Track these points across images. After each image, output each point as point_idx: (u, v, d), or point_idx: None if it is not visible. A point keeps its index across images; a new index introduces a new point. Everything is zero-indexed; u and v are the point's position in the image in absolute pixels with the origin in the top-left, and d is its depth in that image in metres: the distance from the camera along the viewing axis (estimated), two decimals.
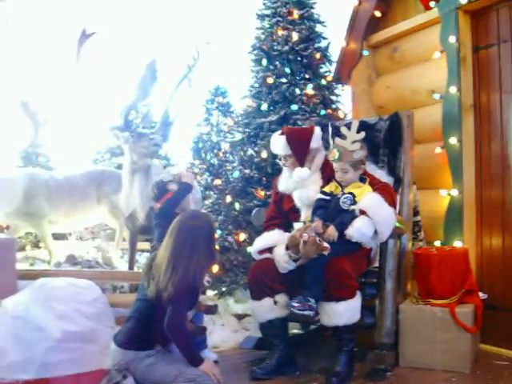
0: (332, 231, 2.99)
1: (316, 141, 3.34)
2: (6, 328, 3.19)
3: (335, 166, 3.16)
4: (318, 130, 3.39)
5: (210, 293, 4.66)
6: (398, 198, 3.53)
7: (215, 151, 8.17)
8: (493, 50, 3.61)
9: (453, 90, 3.67)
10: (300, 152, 3.28)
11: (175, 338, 2.57)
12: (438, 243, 3.77)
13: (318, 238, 2.91)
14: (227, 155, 5.18)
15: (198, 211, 3.06)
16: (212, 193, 5.28)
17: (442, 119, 3.77)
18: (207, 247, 2.65)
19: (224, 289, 4.48)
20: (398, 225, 3.21)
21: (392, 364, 3.15)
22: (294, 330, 3.91)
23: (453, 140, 3.67)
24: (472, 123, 3.72)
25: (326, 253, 2.91)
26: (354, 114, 4.67)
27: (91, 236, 7.62)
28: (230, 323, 4.09)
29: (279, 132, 3.42)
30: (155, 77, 4.13)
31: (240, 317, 4.23)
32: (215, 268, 4.43)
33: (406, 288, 3.53)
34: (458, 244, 3.61)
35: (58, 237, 7.86)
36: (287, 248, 3.03)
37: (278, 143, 3.34)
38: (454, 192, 3.66)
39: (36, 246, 7.51)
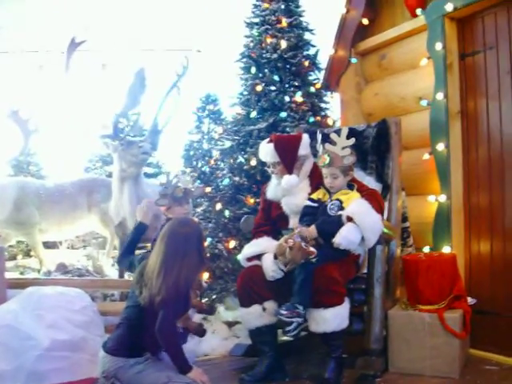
0: (312, 229, 3.01)
1: (304, 148, 3.35)
2: None
3: (325, 171, 3.17)
4: (305, 138, 3.40)
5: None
6: (387, 204, 3.54)
7: (206, 159, 8.18)
8: (479, 57, 3.64)
9: (440, 96, 3.69)
10: (288, 159, 3.29)
11: (165, 342, 2.57)
12: (427, 249, 3.78)
13: (303, 244, 2.92)
14: (218, 163, 5.17)
15: (187, 218, 3.07)
16: (203, 200, 5.28)
17: (429, 125, 3.79)
18: (197, 253, 2.67)
19: (214, 296, 4.47)
20: (386, 231, 3.22)
21: (381, 370, 3.15)
22: (284, 337, 3.90)
23: (440, 146, 3.69)
24: (459, 129, 3.74)
25: (312, 257, 2.92)
26: (343, 121, 4.70)
27: (82, 244, 7.60)
28: (221, 330, 4.08)
29: (267, 140, 3.43)
30: (144, 85, 4.15)
31: (230, 324, 4.21)
32: (205, 275, 4.43)
33: (396, 294, 3.53)
34: (446, 250, 3.62)
35: (49, 245, 7.86)
36: (275, 257, 3.04)
37: (266, 151, 3.36)
38: (442, 198, 3.68)
39: (27, 254, 7.47)
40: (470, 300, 3.39)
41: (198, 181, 7.99)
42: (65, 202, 5.41)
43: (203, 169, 8.17)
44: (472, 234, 3.70)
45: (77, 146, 8.95)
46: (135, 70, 4.19)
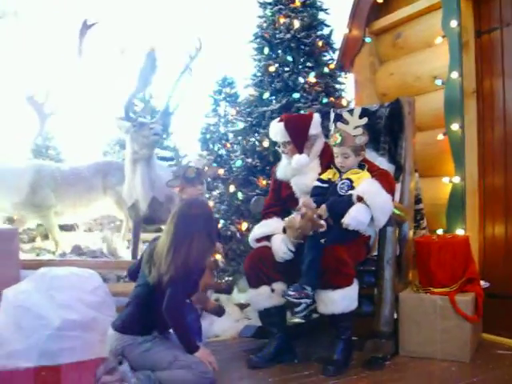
0: (323, 208, 2.97)
1: (315, 127, 3.31)
2: (8, 317, 3.22)
3: (336, 150, 3.12)
4: (316, 117, 3.35)
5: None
6: (399, 185, 3.49)
7: (223, 142, 8.15)
8: (495, 34, 3.54)
9: (454, 75, 3.60)
10: (298, 138, 3.25)
11: (172, 320, 2.60)
12: (440, 231, 3.72)
13: (314, 215, 2.89)
14: (234, 146, 5.15)
15: (197, 199, 3.07)
16: (218, 183, 5.27)
17: (444, 105, 3.71)
18: (207, 233, 2.70)
19: (226, 278, 4.48)
20: (397, 212, 3.17)
21: (391, 353, 3.12)
22: (296, 319, 3.90)
23: (455, 126, 3.61)
24: (474, 109, 3.66)
25: (321, 230, 2.91)
26: (357, 101, 4.63)
27: (100, 228, 7.66)
28: (232, 312, 4.08)
29: (278, 119, 3.40)
30: (155, 66, 4.13)
31: (243, 306, 4.21)
32: (218, 257, 4.44)
33: (408, 277, 3.48)
34: (460, 232, 3.56)
35: (67, 229, 7.96)
36: (284, 230, 3.01)
37: (277, 130, 3.32)
38: (456, 179, 3.61)
39: (46, 237, 7.57)
40: (483, 283, 3.33)
41: (215, 164, 7.99)
42: (80, 184, 5.44)
43: (220, 152, 8.15)
44: (486, 216, 3.63)
45: (95, 130, 9.03)
46: (146, 51, 4.17)
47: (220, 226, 4.83)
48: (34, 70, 6.45)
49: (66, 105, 6.84)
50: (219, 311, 3.20)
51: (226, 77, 8.97)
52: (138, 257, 4.59)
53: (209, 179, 5.20)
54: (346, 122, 3.09)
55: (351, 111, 3.21)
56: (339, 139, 3.04)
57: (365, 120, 3.08)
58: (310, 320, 3.89)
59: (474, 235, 3.57)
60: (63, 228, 8.01)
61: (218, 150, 8.25)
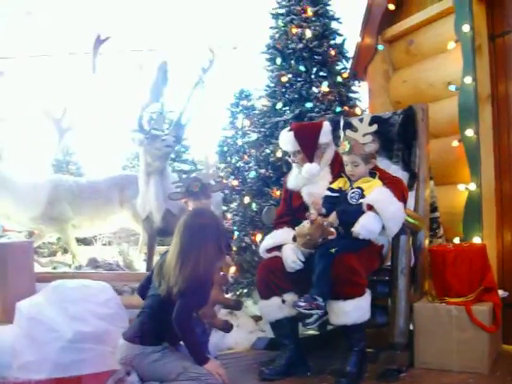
0: (333, 217, 2.93)
1: (325, 136, 3.27)
2: (21, 329, 3.24)
3: (345, 159, 3.07)
4: (326, 125, 3.32)
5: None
6: (414, 193, 3.43)
7: (240, 154, 8.15)
8: (509, 38, 3.48)
9: (468, 80, 3.54)
10: (308, 147, 3.22)
11: (182, 331, 2.58)
12: (457, 240, 3.63)
13: (325, 222, 2.85)
14: (248, 157, 5.15)
15: (203, 209, 3.06)
16: (234, 194, 5.28)
17: (458, 111, 3.64)
18: (215, 243, 2.68)
19: (240, 291, 4.44)
20: (411, 220, 3.11)
21: (406, 364, 3.03)
22: (311, 331, 3.83)
23: (469, 132, 3.54)
24: (489, 114, 3.58)
25: (331, 238, 2.87)
26: (371, 110, 4.59)
27: (119, 241, 7.70)
28: (246, 324, 4.05)
29: (288, 128, 3.38)
30: (166, 78, 4.15)
31: (257, 318, 4.17)
32: (232, 269, 4.41)
33: (423, 286, 3.39)
34: (477, 240, 3.47)
35: (87, 242, 8.02)
36: (294, 238, 2.97)
37: (287, 139, 3.30)
38: (472, 186, 3.53)
39: (66, 251, 7.64)
40: (501, 293, 3.25)
41: (232, 176, 7.99)
42: (97, 198, 5.46)
43: (237, 164, 8.16)
44: (504, 224, 3.54)
45: (114, 145, 9.12)
46: (158, 63, 4.20)
47: (235, 237, 4.81)
48: (50, 85, 6.54)
49: (84, 120, 6.92)
50: (226, 327, 3.15)
51: (242, 89, 9.02)
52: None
53: (220, 192, 5.21)
54: (355, 130, 3.05)
55: (361, 119, 3.17)
56: (348, 147, 3.00)
57: (374, 127, 3.03)
58: (324, 332, 3.83)
59: (492, 243, 3.48)
60: (83, 242, 8.09)
61: (236, 162, 8.25)
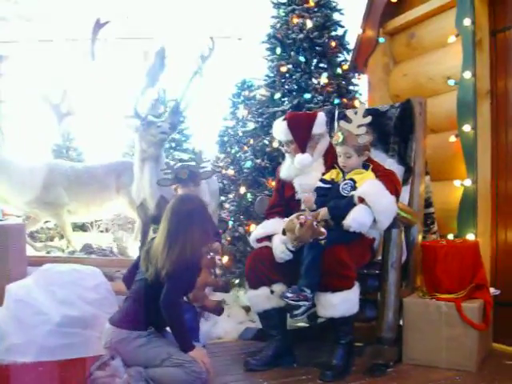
0: (324, 211, 2.89)
1: (319, 126, 3.23)
2: (9, 311, 3.22)
3: (338, 150, 3.03)
4: (321, 116, 3.28)
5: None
6: (408, 187, 3.40)
7: (241, 144, 8.09)
8: (511, 33, 3.42)
9: (467, 75, 3.49)
10: (301, 137, 3.18)
11: (169, 316, 2.59)
12: (451, 236, 3.60)
13: (315, 222, 2.82)
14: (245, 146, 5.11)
15: (189, 195, 3.06)
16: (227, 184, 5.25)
17: (456, 106, 3.59)
18: (201, 227, 2.71)
19: (234, 280, 4.42)
20: (403, 214, 3.07)
21: (393, 360, 3.01)
22: (301, 323, 3.81)
23: (467, 128, 3.49)
24: (488, 110, 3.54)
25: (322, 238, 2.81)
26: (370, 103, 4.55)
27: (117, 228, 7.68)
28: (237, 315, 4.03)
29: (282, 118, 3.34)
30: (163, 64, 4.11)
31: (248, 309, 4.14)
32: (225, 259, 4.39)
33: (415, 282, 3.36)
34: (471, 237, 3.43)
35: (85, 229, 8.01)
36: (284, 232, 2.94)
37: (280, 129, 3.26)
38: (468, 182, 3.49)
39: (63, 237, 7.63)
40: (492, 290, 3.21)
41: (231, 166, 7.93)
42: (93, 183, 5.44)
43: (237, 155, 8.10)
44: (499, 221, 3.51)
45: (115, 131, 9.07)
46: (156, 49, 4.16)
47: (229, 227, 4.79)
48: (51, 70, 6.51)
49: (85, 106, 6.90)
50: (218, 309, 3.14)
51: (245, 80, 8.96)
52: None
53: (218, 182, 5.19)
54: (349, 121, 3.00)
55: (356, 110, 3.13)
56: (341, 138, 2.96)
57: (369, 119, 2.98)
58: (315, 324, 3.81)
59: (486, 240, 3.45)
60: (81, 228, 8.07)
61: (236, 153, 8.19)
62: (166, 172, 3.35)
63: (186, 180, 3.26)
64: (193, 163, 3.51)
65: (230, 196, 6.11)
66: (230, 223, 4.55)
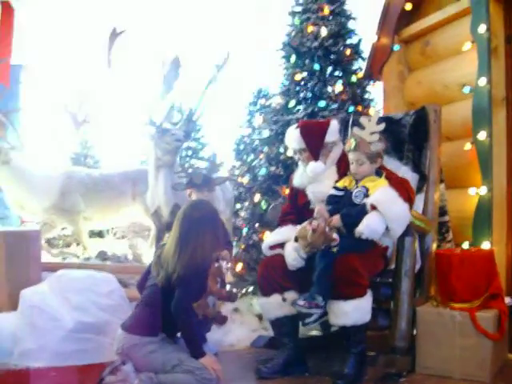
0: (336, 218, 2.88)
1: (332, 134, 3.23)
2: (24, 317, 3.27)
3: (351, 156, 3.02)
4: (334, 124, 3.27)
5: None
6: (423, 196, 3.37)
7: (257, 153, 8.10)
8: None
9: (482, 82, 3.47)
10: (314, 145, 3.18)
11: (181, 321, 2.61)
12: (466, 245, 3.56)
13: (327, 228, 2.81)
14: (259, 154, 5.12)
15: (201, 200, 3.09)
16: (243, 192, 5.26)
17: (471, 113, 3.56)
18: (212, 233, 2.75)
19: (247, 288, 4.41)
20: (417, 223, 3.05)
21: (406, 369, 2.97)
22: (314, 331, 3.79)
23: (482, 135, 3.46)
24: (504, 117, 3.51)
25: (334, 244, 2.80)
26: (385, 111, 4.54)
27: (133, 235, 7.72)
28: (250, 322, 4.01)
29: (295, 126, 3.35)
30: (178, 73, 4.14)
31: (262, 317, 4.13)
32: (239, 266, 4.39)
33: (429, 291, 3.33)
34: (486, 246, 3.39)
35: (102, 236, 8.05)
36: (296, 239, 2.94)
37: (293, 137, 3.27)
38: (483, 190, 3.45)
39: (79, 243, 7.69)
40: (508, 300, 3.17)
41: (248, 174, 7.95)
42: (110, 190, 5.47)
43: (253, 163, 8.11)
44: None
45: (134, 139, 9.13)
46: (172, 57, 4.20)
47: (244, 235, 4.79)
48: (67, 79, 6.60)
49: (103, 114, 6.98)
50: (220, 319, 3.11)
51: (261, 88, 8.98)
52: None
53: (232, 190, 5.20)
54: (362, 128, 3.00)
55: (369, 118, 3.12)
56: (353, 144, 2.96)
57: (382, 126, 2.97)
58: (328, 333, 3.78)
59: (502, 249, 3.40)
60: (98, 235, 8.13)
61: (252, 161, 8.20)
62: (180, 176, 3.36)
63: (201, 185, 3.27)
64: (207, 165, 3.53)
65: (246, 204, 6.12)
66: (245, 231, 4.55)
